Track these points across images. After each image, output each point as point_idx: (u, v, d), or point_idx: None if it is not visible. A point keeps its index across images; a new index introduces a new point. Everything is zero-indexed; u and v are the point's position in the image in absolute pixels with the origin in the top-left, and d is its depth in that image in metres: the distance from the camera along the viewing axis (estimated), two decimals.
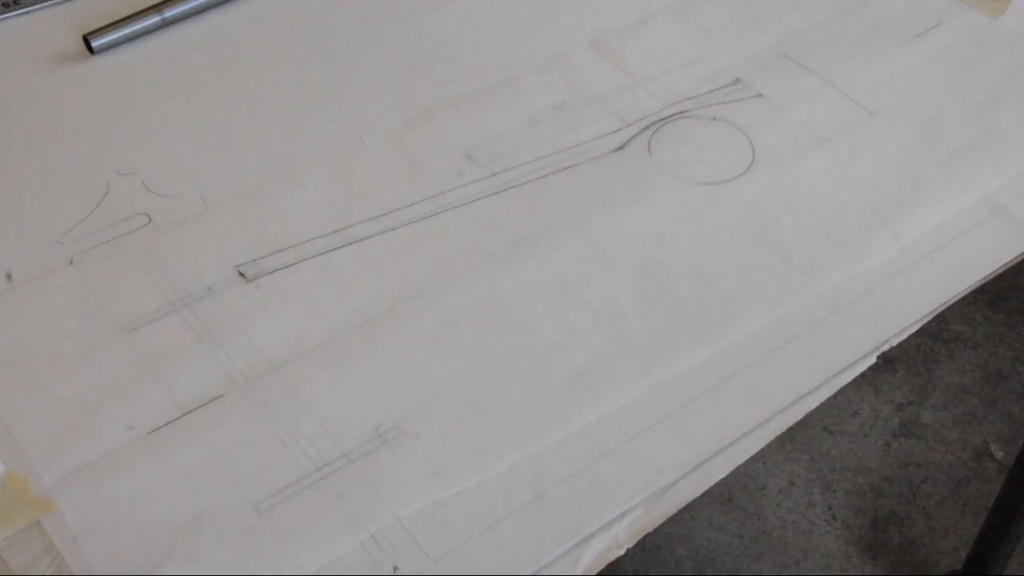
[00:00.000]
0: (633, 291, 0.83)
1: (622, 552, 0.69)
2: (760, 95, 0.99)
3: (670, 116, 0.97)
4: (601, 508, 0.70)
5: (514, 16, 1.08)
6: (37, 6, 1.07)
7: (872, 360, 0.79)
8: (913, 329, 0.82)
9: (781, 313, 0.82)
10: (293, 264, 0.84)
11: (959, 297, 0.84)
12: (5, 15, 1.06)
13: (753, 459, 0.74)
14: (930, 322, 0.82)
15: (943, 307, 0.83)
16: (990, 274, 0.86)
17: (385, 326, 0.80)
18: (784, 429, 0.75)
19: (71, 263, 0.83)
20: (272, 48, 1.04)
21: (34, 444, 0.72)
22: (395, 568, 0.67)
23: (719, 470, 0.73)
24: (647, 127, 0.95)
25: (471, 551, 0.68)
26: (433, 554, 0.67)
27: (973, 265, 0.86)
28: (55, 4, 1.07)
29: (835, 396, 0.78)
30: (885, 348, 0.80)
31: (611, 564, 0.68)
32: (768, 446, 0.74)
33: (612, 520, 0.70)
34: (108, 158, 0.92)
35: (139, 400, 0.74)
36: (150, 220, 0.87)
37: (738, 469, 0.73)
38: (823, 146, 0.95)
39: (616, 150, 0.94)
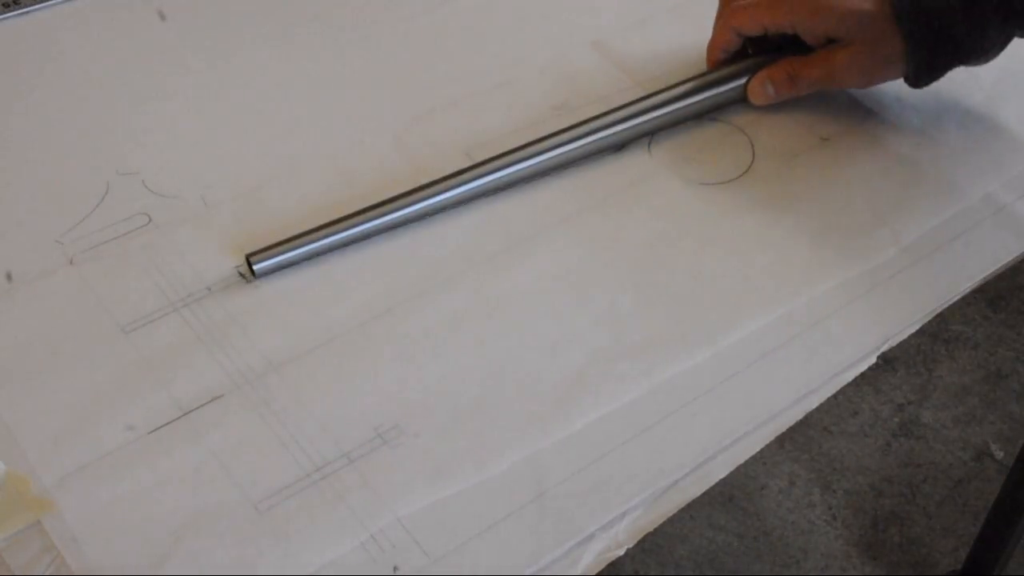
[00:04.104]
0: (633, 291, 0.83)
1: (622, 552, 0.69)
2: None
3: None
4: (601, 508, 0.70)
5: (514, 16, 1.08)
6: (37, 6, 1.07)
7: (872, 360, 0.79)
8: (913, 329, 0.82)
9: (781, 313, 0.82)
10: (293, 264, 0.83)
11: (959, 297, 0.84)
12: (5, 15, 1.06)
13: (753, 459, 0.74)
14: (930, 322, 0.82)
15: (943, 307, 0.83)
16: (990, 274, 0.86)
17: (385, 326, 0.80)
18: (784, 429, 0.75)
19: (71, 263, 0.83)
20: (273, 48, 1.04)
21: (34, 444, 0.72)
22: (395, 568, 0.67)
23: (719, 470, 0.73)
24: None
25: (471, 551, 0.68)
26: (433, 554, 0.67)
27: (973, 265, 0.86)
28: (55, 4, 1.07)
29: (835, 396, 0.78)
30: (885, 348, 0.80)
31: (611, 564, 0.68)
32: (768, 446, 0.74)
33: (612, 520, 0.70)
34: (108, 158, 0.92)
35: (139, 400, 0.74)
36: (150, 220, 0.87)
37: (738, 469, 0.73)
38: (823, 146, 0.95)
39: (616, 150, 0.93)
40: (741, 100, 0.96)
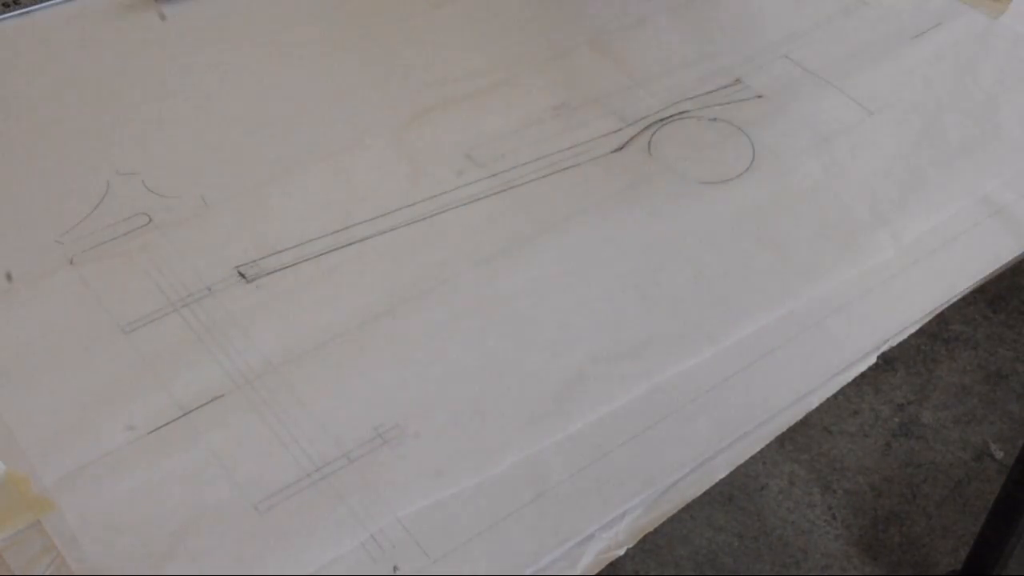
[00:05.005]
0: (633, 291, 0.83)
1: (622, 552, 0.69)
2: (760, 95, 0.99)
3: (670, 116, 0.97)
4: (601, 508, 0.70)
5: (514, 16, 1.08)
6: (37, 6, 1.07)
7: (872, 360, 0.79)
8: (913, 329, 0.82)
9: (781, 313, 0.82)
10: (293, 264, 0.84)
11: (959, 297, 0.84)
12: (5, 15, 1.06)
13: (753, 459, 0.74)
14: (930, 322, 0.82)
15: (943, 307, 0.83)
16: (990, 274, 0.86)
17: (385, 326, 0.80)
18: (784, 429, 0.75)
19: (71, 263, 0.83)
20: (273, 48, 1.04)
21: (34, 444, 0.72)
22: (395, 568, 0.67)
23: (719, 470, 0.73)
24: (647, 127, 0.95)
25: (471, 551, 0.68)
26: (433, 554, 0.67)
27: (973, 265, 0.86)
28: (55, 4, 1.07)
29: (835, 396, 0.78)
30: (885, 348, 0.80)
31: (611, 564, 0.68)
32: (768, 446, 0.74)
33: (612, 520, 0.70)
34: (108, 158, 0.92)
35: (139, 400, 0.74)
36: (150, 220, 0.87)
37: (738, 469, 0.73)
38: (823, 146, 0.95)
39: (616, 150, 0.94)
40: None
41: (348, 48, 1.04)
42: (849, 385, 0.79)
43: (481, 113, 0.97)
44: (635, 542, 0.69)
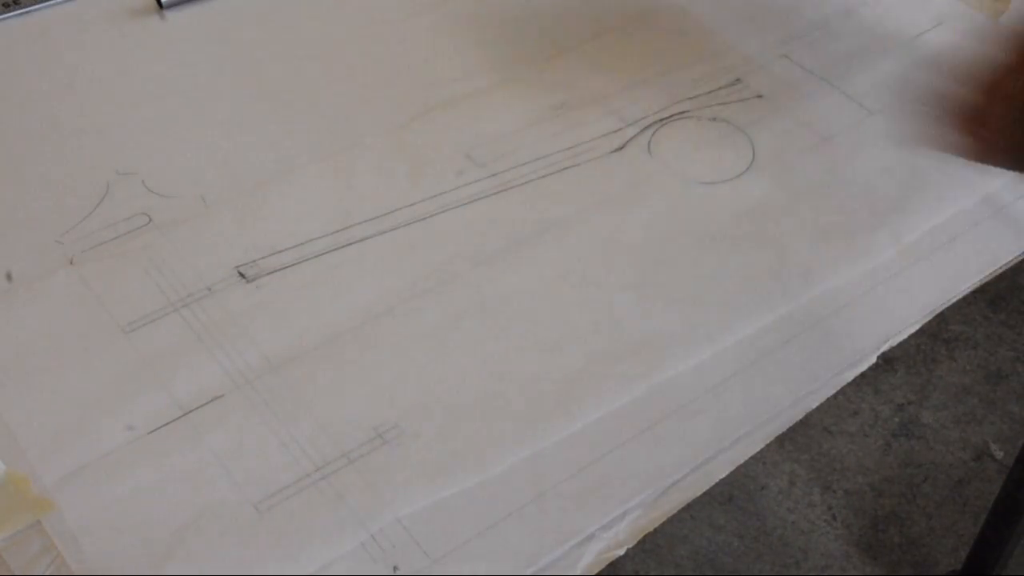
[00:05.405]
0: (633, 291, 0.83)
1: (622, 552, 0.69)
2: (760, 95, 0.99)
3: (670, 116, 0.97)
4: (601, 508, 0.70)
5: (514, 16, 1.08)
6: (37, 6, 1.07)
7: (872, 360, 0.79)
8: (913, 329, 0.82)
9: (781, 313, 0.82)
10: (293, 264, 0.84)
11: (959, 297, 0.84)
12: (5, 15, 1.06)
13: (753, 459, 0.74)
14: (930, 322, 0.82)
15: (943, 307, 0.83)
16: (990, 274, 0.86)
17: (385, 326, 0.80)
18: (784, 429, 0.75)
19: (71, 263, 0.83)
20: (273, 47, 1.04)
21: (34, 444, 0.72)
22: (395, 568, 0.67)
23: (719, 470, 0.73)
24: (647, 127, 0.95)
25: (471, 551, 0.68)
26: (433, 554, 0.67)
27: (973, 265, 0.86)
28: (55, 4, 1.07)
29: (835, 396, 0.78)
30: (885, 348, 0.80)
31: (611, 564, 0.68)
32: (768, 446, 0.74)
33: (612, 520, 0.70)
34: (108, 158, 0.92)
35: (139, 400, 0.74)
36: (150, 220, 0.87)
37: (738, 469, 0.73)
38: (823, 146, 0.95)
39: (616, 150, 0.94)
40: None
41: (348, 48, 1.04)
42: (849, 385, 0.79)
43: (481, 113, 0.97)
44: (635, 542, 0.69)
